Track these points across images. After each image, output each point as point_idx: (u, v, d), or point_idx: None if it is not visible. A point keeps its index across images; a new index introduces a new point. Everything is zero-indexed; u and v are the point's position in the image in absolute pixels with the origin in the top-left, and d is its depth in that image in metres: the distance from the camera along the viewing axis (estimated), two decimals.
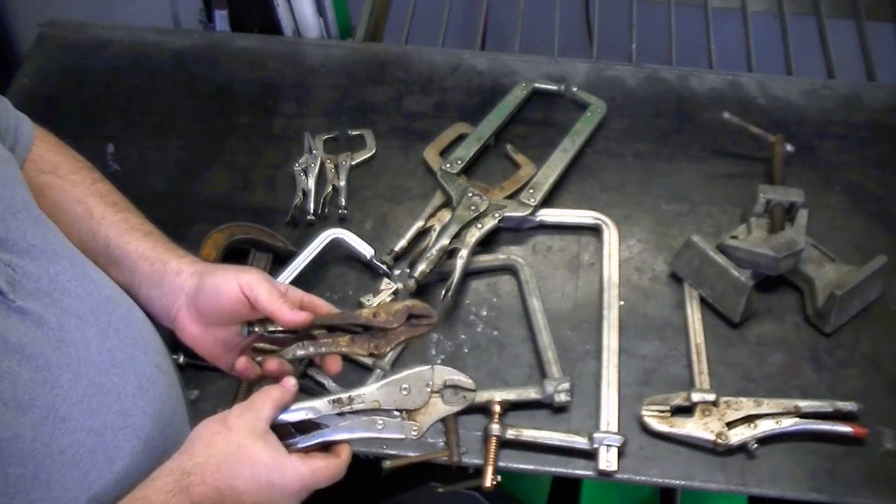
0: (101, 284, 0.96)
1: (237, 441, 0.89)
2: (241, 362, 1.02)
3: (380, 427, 0.96)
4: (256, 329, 1.02)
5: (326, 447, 0.96)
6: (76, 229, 1.05)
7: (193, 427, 0.92)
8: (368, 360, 1.30)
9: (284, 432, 0.94)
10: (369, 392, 0.96)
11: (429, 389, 0.97)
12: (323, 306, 1.04)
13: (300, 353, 1.01)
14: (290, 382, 0.96)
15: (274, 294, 0.99)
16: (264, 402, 0.93)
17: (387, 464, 1.24)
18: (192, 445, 0.89)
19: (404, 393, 0.97)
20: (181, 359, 1.27)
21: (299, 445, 0.94)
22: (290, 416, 0.95)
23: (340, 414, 0.96)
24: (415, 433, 0.97)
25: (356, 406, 0.96)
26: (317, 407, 0.95)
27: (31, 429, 0.82)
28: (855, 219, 1.50)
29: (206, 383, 1.30)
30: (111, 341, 0.92)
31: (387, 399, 0.97)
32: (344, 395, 0.96)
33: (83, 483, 0.86)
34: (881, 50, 1.83)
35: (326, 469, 0.93)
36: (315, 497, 0.94)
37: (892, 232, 1.49)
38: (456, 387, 0.98)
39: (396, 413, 0.97)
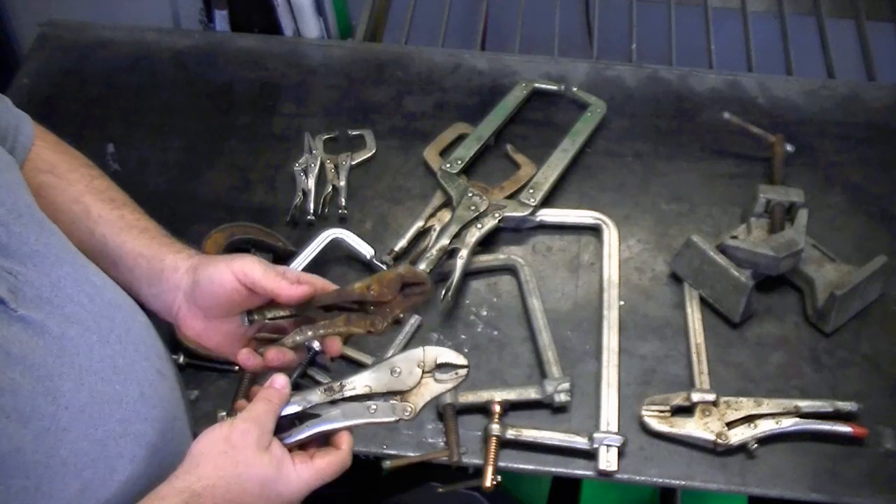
0: (103, 289, 0.95)
1: (245, 460, 0.89)
2: (244, 353, 1.01)
3: (373, 411, 0.95)
4: (256, 318, 1.02)
5: (326, 437, 0.96)
6: (75, 229, 1.04)
7: (193, 430, 0.92)
8: (368, 360, 1.30)
9: (280, 424, 0.94)
10: (360, 377, 0.96)
11: (420, 370, 0.97)
12: (319, 283, 1.03)
13: (299, 338, 1.01)
14: (281, 382, 0.96)
15: (270, 272, 0.98)
16: (267, 413, 0.92)
17: (387, 464, 1.24)
18: (198, 465, 0.88)
19: (395, 375, 0.96)
20: (181, 359, 1.27)
21: (294, 438, 0.94)
22: (285, 411, 0.95)
23: (333, 402, 0.95)
24: (408, 414, 0.96)
25: (348, 393, 0.96)
26: (309, 397, 0.95)
27: (33, 440, 0.81)
28: (855, 219, 1.50)
29: (206, 383, 1.30)
30: (113, 348, 0.91)
31: (378, 383, 0.96)
32: (335, 384, 0.96)
33: (85, 493, 0.85)
34: (881, 50, 1.83)
35: (329, 466, 0.93)
36: (315, 497, 0.94)
37: (892, 232, 1.48)
38: (448, 364, 0.97)
39: (389, 397, 0.96)
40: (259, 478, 0.89)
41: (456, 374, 0.97)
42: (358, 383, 0.96)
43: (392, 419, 0.96)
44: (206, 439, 0.90)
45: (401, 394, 0.96)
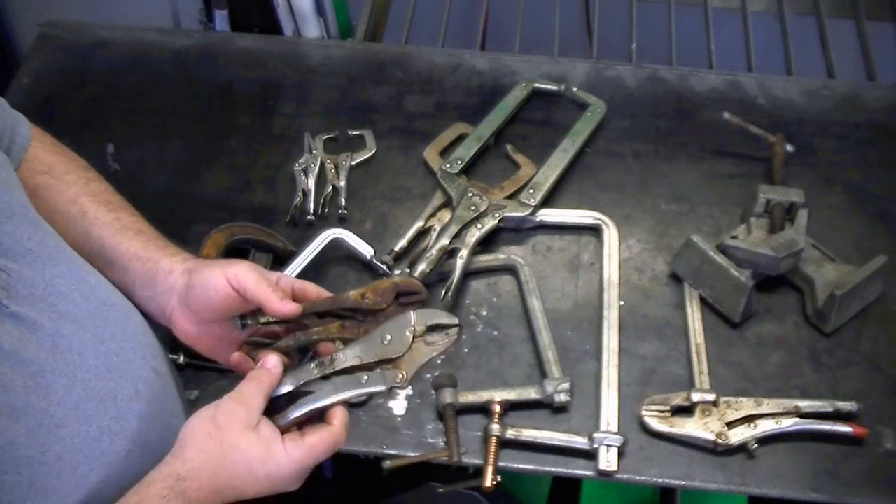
0: (97, 288, 0.95)
1: (230, 441, 0.88)
2: (236, 357, 1.01)
3: (364, 381, 0.95)
4: (250, 322, 1.02)
5: (321, 414, 0.95)
6: (71, 230, 1.05)
7: None
8: None
9: (274, 405, 0.94)
10: (350, 349, 0.96)
11: (410, 335, 0.97)
12: (313, 291, 1.03)
13: (292, 343, 1.01)
14: (272, 362, 0.95)
15: (262, 282, 0.98)
16: (255, 393, 0.92)
17: (387, 464, 1.24)
18: (183, 449, 0.88)
19: (385, 343, 0.97)
20: (181, 359, 1.27)
21: (289, 417, 0.93)
22: (279, 391, 0.94)
23: (325, 377, 0.95)
24: (399, 381, 0.96)
25: (339, 366, 0.96)
26: (301, 375, 0.95)
27: (26, 436, 0.81)
28: (855, 219, 1.50)
29: (206, 383, 1.30)
30: (107, 346, 0.91)
31: (368, 352, 0.96)
32: (326, 358, 0.96)
33: (79, 489, 0.86)
34: (881, 50, 1.83)
35: (321, 442, 0.92)
36: (315, 497, 0.94)
37: (892, 232, 1.48)
38: (438, 326, 0.97)
39: (380, 366, 0.96)
40: (246, 458, 0.88)
41: (446, 334, 0.97)
42: (349, 355, 0.96)
43: (384, 388, 0.96)
44: (193, 422, 0.90)
45: (392, 361, 0.97)
